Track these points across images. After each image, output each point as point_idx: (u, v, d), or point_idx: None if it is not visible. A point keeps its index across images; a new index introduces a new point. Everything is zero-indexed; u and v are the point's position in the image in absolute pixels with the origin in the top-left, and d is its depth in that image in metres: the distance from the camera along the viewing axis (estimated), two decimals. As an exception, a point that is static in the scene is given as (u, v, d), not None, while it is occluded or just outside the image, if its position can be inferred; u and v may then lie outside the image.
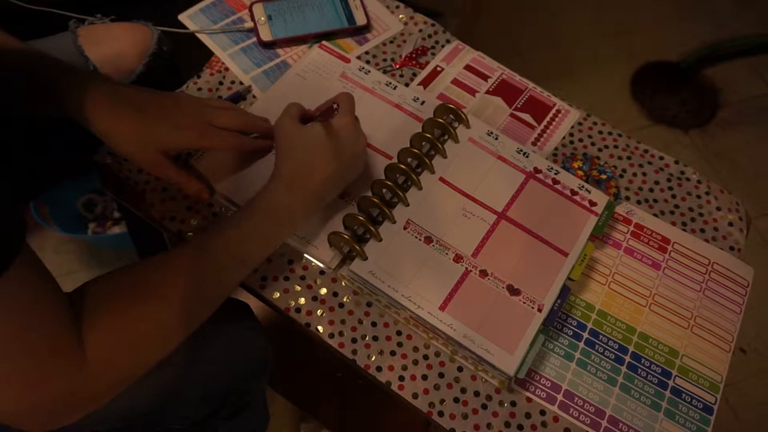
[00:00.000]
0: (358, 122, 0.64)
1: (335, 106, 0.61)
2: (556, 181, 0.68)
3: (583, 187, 0.67)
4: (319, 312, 0.63)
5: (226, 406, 0.74)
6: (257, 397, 0.84)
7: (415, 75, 0.79)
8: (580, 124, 0.78)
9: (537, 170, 0.68)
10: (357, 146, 0.62)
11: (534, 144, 0.75)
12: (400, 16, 0.84)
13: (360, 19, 0.81)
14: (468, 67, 0.80)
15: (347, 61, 0.77)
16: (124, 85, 0.63)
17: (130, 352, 0.48)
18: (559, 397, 0.61)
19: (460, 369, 0.61)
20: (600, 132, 0.77)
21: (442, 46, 0.82)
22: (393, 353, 0.62)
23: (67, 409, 0.45)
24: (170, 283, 0.51)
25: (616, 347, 0.64)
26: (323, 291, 0.64)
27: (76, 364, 0.43)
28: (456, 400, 0.60)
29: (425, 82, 0.78)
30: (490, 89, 0.79)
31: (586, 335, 0.64)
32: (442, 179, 0.67)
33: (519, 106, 0.78)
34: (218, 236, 0.56)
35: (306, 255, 0.65)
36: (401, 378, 0.61)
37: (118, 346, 0.47)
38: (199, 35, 0.79)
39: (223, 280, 0.56)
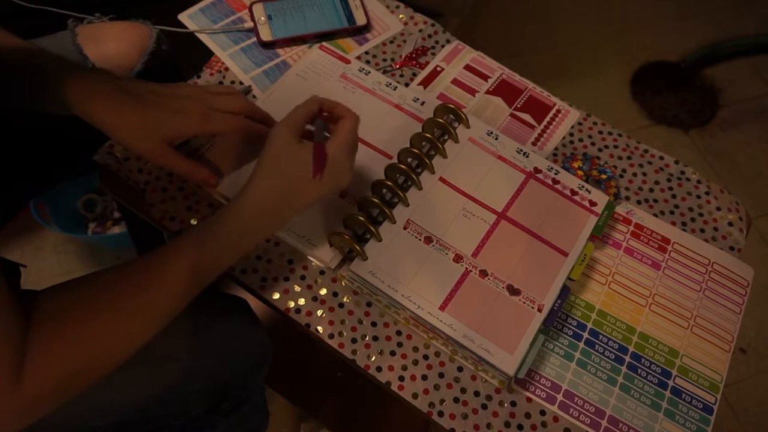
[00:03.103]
0: (356, 150, 0.60)
1: (327, 114, 0.60)
2: (556, 181, 0.68)
3: (583, 187, 0.67)
4: (319, 312, 0.63)
5: (226, 400, 0.74)
6: (256, 393, 0.84)
7: (415, 75, 0.79)
8: (580, 124, 0.78)
9: (537, 170, 0.68)
10: (343, 180, 0.58)
11: (534, 144, 0.75)
12: (400, 16, 0.84)
13: (360, 19, 0.81)
14: (468, 67, 0.80)
15: (347, 62, 0.77)
16: (124, 78, 0.62)
17: (70, 377, 0.46)
18: (559, 397, 0.61)
19: (460, 369, 0.61)
20: (600, 132, 0.77)
21: (442, 46, 0.82)
22: (393, 353, 0.62)
23: None
24: (120, 304, 0.49)
25: (616, 347, 0.64)
26: (323, 291, 0.64)
27: (10, 386, 0.42)
28: (456, 400, 0.60)
29: (425, 82, 0.78)
30: (490, 89, 0.79)
31: (586, 335, 0.64)
32: (442, 179, 0.67)
33: (519, 106, 0.78)
34: (178, 254, 0.53)
35: (306, 255, 0.65)
36: (401, 378, 0.61)
37: (57, 373, 0.44)
38: (199, 35, 0.79)
39: (176, 298, 0.52)
